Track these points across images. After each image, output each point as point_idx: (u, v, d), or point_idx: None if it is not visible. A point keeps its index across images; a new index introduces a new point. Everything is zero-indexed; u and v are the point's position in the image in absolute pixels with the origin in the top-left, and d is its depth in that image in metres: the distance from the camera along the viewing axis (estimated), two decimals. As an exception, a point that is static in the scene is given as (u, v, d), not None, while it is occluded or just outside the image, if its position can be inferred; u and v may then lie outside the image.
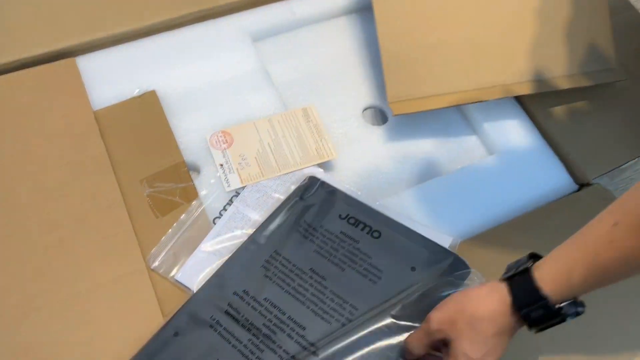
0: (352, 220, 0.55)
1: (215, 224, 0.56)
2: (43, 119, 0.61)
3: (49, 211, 0.55)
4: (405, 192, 0.60)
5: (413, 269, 0.51)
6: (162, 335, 0.49)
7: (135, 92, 0.64)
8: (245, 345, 0.48)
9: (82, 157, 0.59)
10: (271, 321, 0.49)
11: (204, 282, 0.52)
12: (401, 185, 0.63)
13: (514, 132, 0.65)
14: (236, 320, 0.49)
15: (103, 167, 0.58)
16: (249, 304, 0.50)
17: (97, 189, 0.57)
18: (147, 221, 0.56)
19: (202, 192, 0.58)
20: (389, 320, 0.48)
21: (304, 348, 0.47)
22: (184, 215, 0.56)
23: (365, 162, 0.64)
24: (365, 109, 0.68)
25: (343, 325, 0.48)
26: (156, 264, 0.53)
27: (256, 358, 0.47)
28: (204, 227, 0.56)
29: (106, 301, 0.51)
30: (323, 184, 0.58)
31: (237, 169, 0.60)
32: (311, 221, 0.55)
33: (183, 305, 0.51)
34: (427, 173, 0.64)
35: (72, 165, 0.58)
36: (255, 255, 0.53)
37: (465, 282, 0.50)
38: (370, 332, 0.47)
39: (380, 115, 0.69)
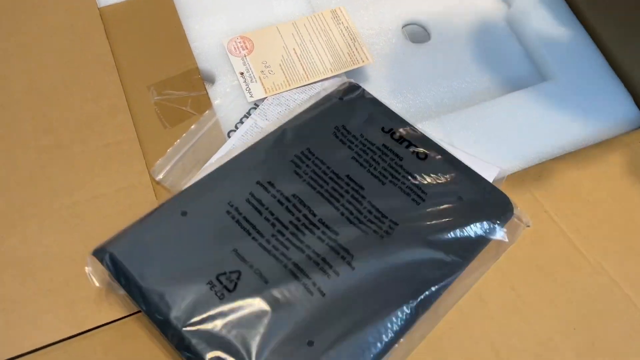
0: (396, 136, 0.48)
1: (229, 137, 0.50)
2: (43, 12, 0.54)
3: (45, 112, 0.49)
4: (447, 117, 0.53)
5: (460, 199, 0.45)
6: (166, 210, 0.43)
7: (147, -12, 0.57)
8: (267, 240, 0.42)
9: (85, 56, 0.52)
10: (299, 220, 0.43)
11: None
12: (442, 110, 0.55)
13: (574, 57, 0.57)
14: (258, 212, 0.43)
15: (107, 69, 0.52)
16: (274, 197, 0.43)
17: (100, 92, 0.51)
18: (154, 131, 0.50)
19: (216, 102, 0.52)
20: (426, 247, 0.43)
21: (337, 252, 0.42)
22: (194, 125, 0.50)
23: (403, 82, 0.56)
24: (405, 25, 0.60)
25: (382, 238, 0.43)
26: (161, 176, 0.47)
27: (280, 254, 0.41)
28: (217, 140, 0.49)
29: (105, 214, 0.45)
30: (364, 91, 0.51)
31: (259, 78, 0.53)
32: (350, 127, 0.48)
33: (194, 184, 0.44)
34: (472, 98, 0.56)
35: (72, 64, 0.52)
36: (285, 148, 0.47)
37: (507, 224, 0.45)
38: (409, 252, 0.42)
39: (422, 33, 0.61)
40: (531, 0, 0.60)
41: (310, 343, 0.38)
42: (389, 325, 0.40)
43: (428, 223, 0.44)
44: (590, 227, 0.47)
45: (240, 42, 0.55)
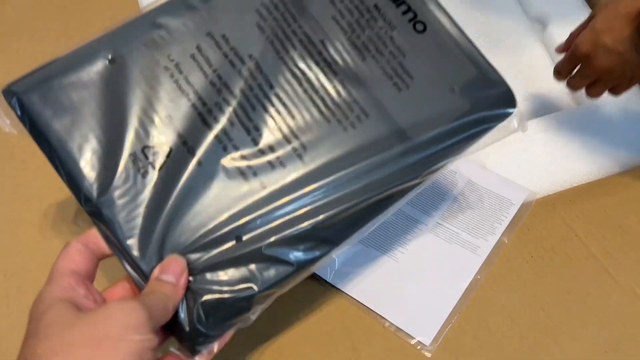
0: None
1: None
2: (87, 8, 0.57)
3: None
4: (480, 137, 0.54)
5: (452, 90, 0.37)
6: (91, 51, 0.34)
7: None
8: (208, 110, 0.34)
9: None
10: (252, 89, 0.35)
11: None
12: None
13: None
14: (203, 72, 0.35)
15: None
16: (226, 56, 0.35)
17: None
18: None
19: None
20: (396, 147, 0.36)
21: (287, 140, 0.34)
22: None
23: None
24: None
25: (345, 130, 0.35)
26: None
27: (221, 132, 0.34)
28: None
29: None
30: None
31: None
32: None
33: (129, 22, 0.35)
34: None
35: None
36: None
37: (503, 123, 0.38)
38: (374, 153, 0.35)
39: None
40: (567, 22, 0.60)
41: (239, 238, 0.33)
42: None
43: (405, 117, 0.36)
44: (621, 252, 0.48)
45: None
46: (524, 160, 0.53)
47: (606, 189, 0.52)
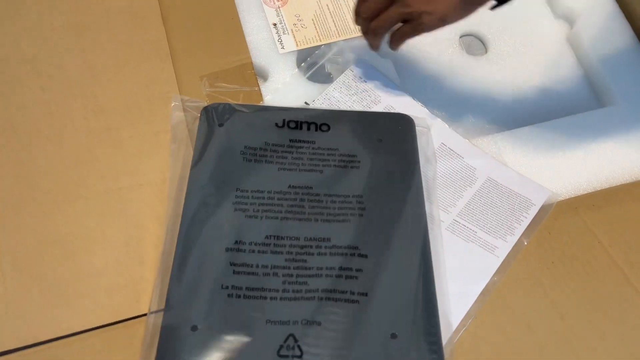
0: (292, 124, 0.48)
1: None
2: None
3: (95, 93, 0.48)
4: (500, 135, 0.51)
5: (380, 140, 0.48)
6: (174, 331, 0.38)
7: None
8: (284, 290, 0.40)
9: (140, 39, 0.51)
10: (291, 253, 0.42)
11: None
12: (495, 127, 0.54)
13: (637, 85, 0.55)
14: (252, 273, 0.40)
15: (161, 54, 0.51)
16: (253, 252, 0.41)
17: (152, 78, 0.50)
18: (204, 122, 0.48)
19: (267, 97, 0.51)
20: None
21: (344, 255, 0.41)
22: (246, 121, 0.49)
23: (457, 96, 0.55)
24: (463, 35, 0.59)
25: (360, 216, 0.43)
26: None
27: (304, 291, 0.40)
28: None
29: (149, 203, 0.44)
30: (228, 106, 0.48)
31: (292, 30, 0.54)
32: (249, 142, 0.46)
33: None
34: (526, 118, 0.54)
35: (127, 46, 0.51)
36: (216, 200, 0.43)
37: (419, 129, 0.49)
38: (390, 211, 0.44)
39: (479, 45, 0.59)
40: (595, 22, 0.58)
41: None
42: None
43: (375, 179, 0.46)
44: (646, 263, 0.46)
45: (275, -7, 0.56)
46: (546, 160, 0.50)
47: (633, 195, 0.49)
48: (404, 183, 0.45)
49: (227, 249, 0.41)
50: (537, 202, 0.47)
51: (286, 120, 0.48)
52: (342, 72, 0.53)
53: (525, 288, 0.44)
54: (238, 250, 0.41)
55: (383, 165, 0.46)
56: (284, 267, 0.41)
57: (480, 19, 0.59)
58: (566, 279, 0.45)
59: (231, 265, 0.40)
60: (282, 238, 0.42)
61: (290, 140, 0.47)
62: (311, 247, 0.42)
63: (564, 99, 0.56)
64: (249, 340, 0.38)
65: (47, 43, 0.50)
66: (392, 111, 0.50)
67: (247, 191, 0.44)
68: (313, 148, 0.47)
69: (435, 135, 0.50)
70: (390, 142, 0.48)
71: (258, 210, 0.43)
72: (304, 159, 0.46)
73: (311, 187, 0.44)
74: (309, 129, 0.47)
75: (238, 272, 0.40)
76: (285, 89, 0.52)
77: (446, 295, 0.42)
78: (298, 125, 0.48)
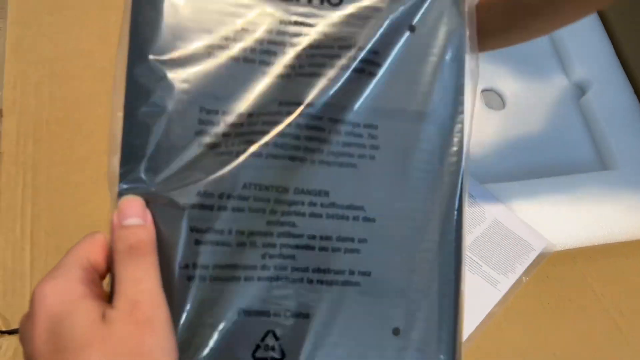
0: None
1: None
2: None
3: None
4: (509, 185, 0.56)
5: (412, 29, 0.31)
6: None
7: None
8: (264, 267, 0.28)
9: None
10: (275, 212, 0.28)
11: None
12: (506, 176, 0.58)
13: (638, 152, 0.60)
14: (222, 243, 0.28)
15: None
16: (224, 210, 0.28)
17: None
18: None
19: None
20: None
21: (345, 218, 0.29)
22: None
23: (474, 144, 0.59)
24: (484, 90, 0.65)
25: (372, 159, 0.30)
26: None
27: (289, 269, 0.28)
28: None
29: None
30: None
31: None
32: (207, 20, 0.29)
33: None
34: (535, 171, 0.59)
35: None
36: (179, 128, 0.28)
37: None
38: (413, 154, 0.30)
39: (498, 100, 0.65)
40: (606, 92, 0.63)
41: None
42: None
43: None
44: (635, 313, 0.49)
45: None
46: (550, 212, 0.54)
47: (627, 252, 0.53)
48: (442, 107, 0.31)
49: (186, 206, 0.27)
50: (536, 247, 0.51)
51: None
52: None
53: (523, 322, 0.48)
54: (202, 207, 0.27)
55: (412, 74, 0.31)
56: (265, 234, 0.28)
57: (501, 76, 0.65)
58: (560, 320, 0.48)
59: (192, 231, 0.27)
60: (266, 188, 0.28)
61: (281, 23, 0.29)
62: (302, 203, 0.28)
63: (571, 157, 0.61)
64: (215, 338, 0.27)
65: (102, 38, 0.55)
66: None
67: (215, 112, 0.28)
68: (316, 39, 0.29)
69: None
70: (427, 33, 0.31)
71: (233, 144, 0.28)
72: (302, 57, 0.29)
73: (312, 105, 0.29)
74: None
75: (202, 242, 0.27)
76: None
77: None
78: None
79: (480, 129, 0.61)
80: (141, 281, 0.25)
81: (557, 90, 0.65)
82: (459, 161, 0.32)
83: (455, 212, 0.31)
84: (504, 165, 0.59)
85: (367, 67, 0.30)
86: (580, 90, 0.66)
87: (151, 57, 0.28)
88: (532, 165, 0.60)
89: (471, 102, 0.31)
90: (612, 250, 0.53)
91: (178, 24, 0.28)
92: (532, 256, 0.50)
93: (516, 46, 0.66)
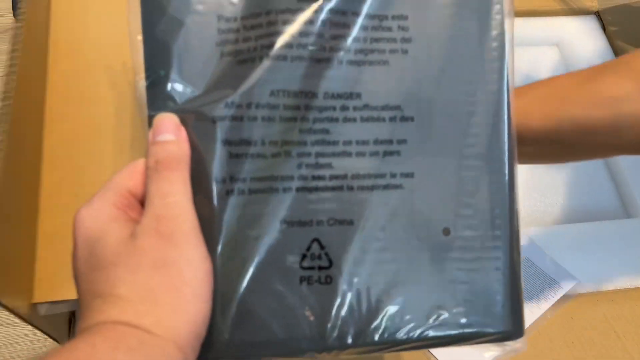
0: None
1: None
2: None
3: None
4: (535, 230, 0.58)
5: None
6: None
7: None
8: (302, 177, 0.27)
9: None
10: (306, 120, 0.27)
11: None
12: (531, 220, 0.61)
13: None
14: (257, 155, 0.27)
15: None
16: (254, 120, 0.27)
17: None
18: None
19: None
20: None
21: (381, 120, 0.28)
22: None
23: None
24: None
25: (404, 53, 0.28)
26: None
27: (327, 178, 0.27)
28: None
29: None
30: None
31: None
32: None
33: None
34: (559, 217, 0.62)
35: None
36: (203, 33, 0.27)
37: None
38: (450, 42, 0.29)
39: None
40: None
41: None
42: None
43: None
44: (656, 355, 0.51)
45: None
46: (575, 256, 0.56)
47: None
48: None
49: (217, 119, 0.26)
50: (564, 286, 0.53)
51: None
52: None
53: (544, 358, 0.50)
54: (233, 118, 0.26)
55: None
56: (299, 143, 0.27)
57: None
58: (583, 359, 0.50)
59: (225, 144, 0.26)
60: (295, 95, 0.27)
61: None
62: (334, 108, 0.27)
63: (596, 205, 0.63)
64: (260, 250, 0.26)
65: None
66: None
67: (234, 19, 0.27)
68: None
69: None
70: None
71: (255, 49, 0.27)
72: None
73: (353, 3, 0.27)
74: None
75: (237, 155, 0.26)
76: None
77: (468, 350, 0.48)
78: None
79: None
80: (168, 195, 0.25)
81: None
82: (502, 46, 0.29)
83: (505, 105, 0.28)
84: (531, 210, 0.62)
85: None
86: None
87: None
88: (558, 211, 0.62)
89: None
90: (634, 293, 0.56)
91: None
92: (559, 294, 0.53)
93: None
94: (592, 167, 0.66)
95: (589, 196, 0.64)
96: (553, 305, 0.52)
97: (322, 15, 0.27)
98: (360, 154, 0.28)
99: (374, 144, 0.28)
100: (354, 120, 0.28)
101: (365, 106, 0.28)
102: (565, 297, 0.53)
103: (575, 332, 0.52)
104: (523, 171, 0.63)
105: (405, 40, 0.28)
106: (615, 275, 0.56)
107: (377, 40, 0.28)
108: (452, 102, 0.28)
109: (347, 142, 0.28)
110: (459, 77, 0.28)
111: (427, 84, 0.28)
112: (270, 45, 0.27)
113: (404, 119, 0.28)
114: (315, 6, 0.27)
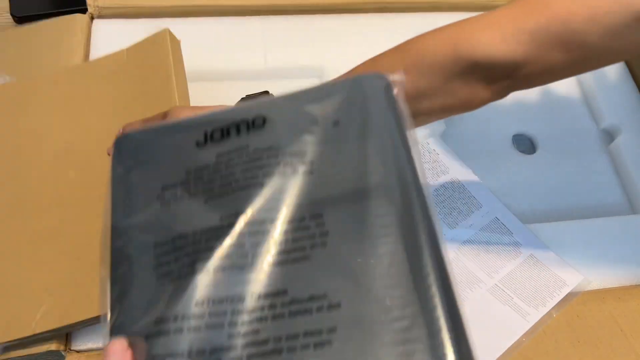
0: (217, 135, 0.34)
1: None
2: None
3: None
4: (539, 226, 0.58)
5: (336, 123, 0.33)
6: None
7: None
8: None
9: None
10: (234, 324, 0.28)
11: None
12: (536, 218, 0.60)
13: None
14: None
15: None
16: (180, 332, 0.28)
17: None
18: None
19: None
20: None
21: (308, 312, 0.28)
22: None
23: (506, 186, 0.62)
24: (515, 135, 0.68)
25: (323, 246, 0.30)
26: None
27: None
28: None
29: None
30: (134, 139, 0.36)
31: None
32: (165, 180, 0.33)
33: None
34: (563, 213, 0.61)
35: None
36: (131, 269, 0.31)
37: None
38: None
39: (529, 144, 0.68)
40: (635, 138, 0.66)
41: None
42: None
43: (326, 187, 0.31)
44: (663, 353, 0.51)
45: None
46: (580, 253, 0.56)
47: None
48: (384, 181, 0.31)
49: (149, 336, 0.28)
50: (570, 284, 0.53)
51: (209, 133, 0.34)
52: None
53: (553, 358, 0.49)
54: (159, 334, 0.28)
55: (345, 160, 0.32)
56: (228, 348, 0.28)
57: (532, 122, 0.68)
58: (590, 357, 0.50)
59: None
60: (221, 301, 0.29)
61: (217, 156, 0.33)
62: (262, 308, 0.28)
63: (601, 201, 0.63)
64: None
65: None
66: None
67: (167, 243, 0.31)
68: (247, 155, 0.32)
69: (490, 209, 0.58)
70: (351, 123, 0.32)
71: (184, 266, 0.30)
72: (236, 174, 0.32)
73: (252, 213, 0.30)
74: (239, 132, 0.33)
75: None
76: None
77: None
78: (224, 132, 0.34)
79: (512, 172, 0.64)
80: None
81: (586, 136, 0.68)
82: (421, 222, 0.30)
83: (431, 278, 0.28)
84: (536, 207, 0.61)
85: (299, 166, 0.31)
86: (609, 136, 0.68)
87: (116, 223, 0.33)
88: (563, 208, 0.62)
89: (420, 170, 0.31)
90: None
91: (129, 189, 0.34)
92: (564, 292, 0.52)
93: (546, 93, 0.70)
94: (596, 163, 0.66)
95: (594, 192, 0.63)
96: (558, 303, 0.51)
97: (245, 228, 0.30)
98: (291, 350, 0.27)
99: (304, 337, 0.28)
100: (283, 316, 0.28)
101: (292, 301, 0.28)
102: (571, 295, 0.52)
103: (581, 330, 0.51)
104: (526, 168, 0.64)
105: (323, 234, 0.30)
106: (621, 272, 0.56)
107: (297, 240, 0.30)
108: (377, 283, 0.28)
109: (277, 339, 0.28)
110: (380, 258, 0.29)
111: (350, 269, 0.29)
112: (195, 261, 0.29)
113: (330, 306, 0.28)
114: (238, 222, 0.30)
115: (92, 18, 0.68)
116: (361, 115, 0.33)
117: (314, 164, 0.32)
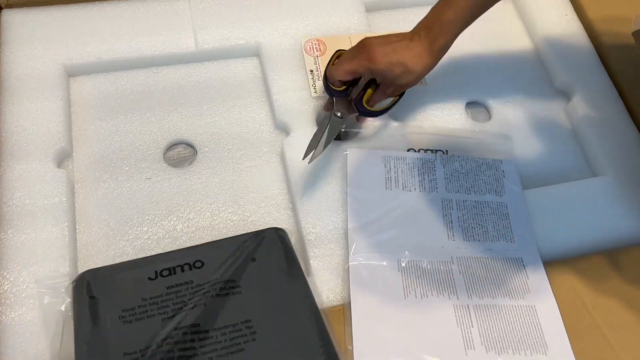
0: (165, 273, 0.48)
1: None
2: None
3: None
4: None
5: (253, 260, 0.49)
6: None
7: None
8: None
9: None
10: None
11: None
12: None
13: (626, 157, 0.60)
14: None
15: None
16: None
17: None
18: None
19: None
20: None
21: None
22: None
23: (462, 153, 0.59)
24: (469, 103, 0.64)
25: (254, 341, 0.44)
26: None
27: None
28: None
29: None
30: (95, 274, 0.48)
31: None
32: (125, 305, 0.46)
33: None
34: (524, 182, 0.59)
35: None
36: None
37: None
38: (281, 325, 0.45)
39: (484, 112, 0.64)
40: (590, 97, 0.63)
41: None
42: None
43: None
44: (624, 327, 0.49)
45: (315, 44, 0.62)
46: (542, 222, 0.55)
47: (617, 265, 0.53)
48: (288, 293, 0.47)
49: None
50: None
51: (158, 271, 0.47)
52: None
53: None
54: None
55: (263, 283, 0.47)
56: None
57: (485, 89, 0.64)
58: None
59: None
60: None
61: (168, 288, 0.46)
62: None
63: (560, 166, 0.61)
64: None
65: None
66: (264, 227, 0.52)
67: (135, 352, 0.42)
68: (192, 287, 0.46)
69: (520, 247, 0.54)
70: (264, 258, 0.49)
71: None
72: (185, 300, 0.45)
73: (198, 325, 0.44)
74: (183, 270, 0.47)
75: None
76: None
77: None
78: (172, 271, 0.47)
79: (467, 140, 0.60)
80: None
81: (542, 99, 0.65)
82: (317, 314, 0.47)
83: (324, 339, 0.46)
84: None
85: (230, 290, 0.47)
86: (565, 97, 0.65)
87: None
88: (522, 176, 0.59)
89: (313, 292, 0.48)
90: (604, 261, 0.53)
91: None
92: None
93: (499, 58, 0.66)
94: (554, 127, 0.63)
95: (553, 157, 0.61)
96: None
97: (191, 336, 0.43)
98: None
99: None
100: None
101: None
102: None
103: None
104: (481, 139, 0.60)
105: (253, 332, 0.45)
106: (583, 238, 0.54)
107: (233, 339, 0.44)
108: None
109: None
110: (296, 346, 0.45)
111: (275, 354, 0.44)
112: None
113: None
114: (188, 332, 0.44)
115: (0, 8, 0.62)
116: (269, 254, 0.50)
117: (241, 287, 0.47)
